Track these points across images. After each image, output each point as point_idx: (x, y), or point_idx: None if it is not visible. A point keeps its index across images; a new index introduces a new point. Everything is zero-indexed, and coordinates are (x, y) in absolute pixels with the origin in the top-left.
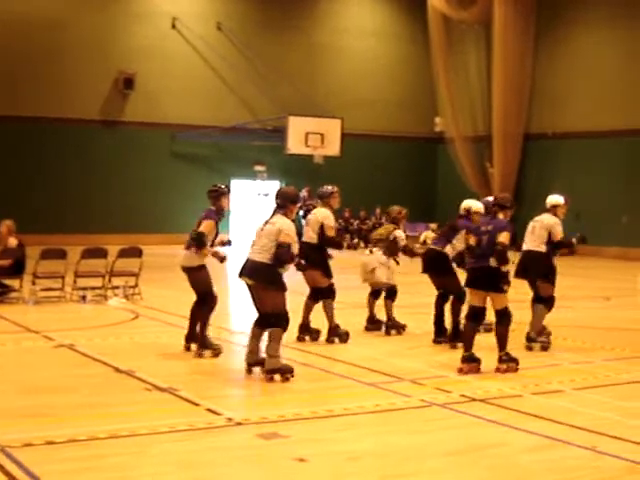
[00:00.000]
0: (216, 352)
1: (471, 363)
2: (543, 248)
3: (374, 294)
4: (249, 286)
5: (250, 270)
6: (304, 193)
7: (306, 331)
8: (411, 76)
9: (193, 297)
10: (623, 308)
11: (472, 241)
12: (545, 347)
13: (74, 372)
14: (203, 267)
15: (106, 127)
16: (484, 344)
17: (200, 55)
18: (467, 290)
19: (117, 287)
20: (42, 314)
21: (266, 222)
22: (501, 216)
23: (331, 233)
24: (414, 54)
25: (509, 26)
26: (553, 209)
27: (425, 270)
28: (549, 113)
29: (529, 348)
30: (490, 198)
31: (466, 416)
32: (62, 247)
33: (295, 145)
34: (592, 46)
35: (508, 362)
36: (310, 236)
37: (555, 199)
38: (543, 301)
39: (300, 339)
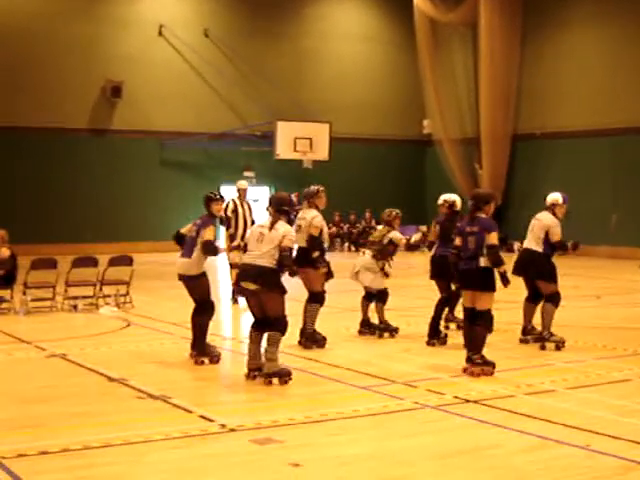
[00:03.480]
0: (215, 359)
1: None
2: (540, 248)
3: (368, 297)
4: (249, 291)
5: (254, 275)
6: (294, 198)
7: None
8: (398, 79)
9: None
10: (614, 307)
11: (458, 242)
12: (559, 347)
13: (67, 382)
14: (203, 275)
15: (95, 136)
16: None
17: (187, 62)
18: (462, 293)
19: (108, 296)
20: (33, 324)
21: (264, 227)
22: (482, 215)
23: (315, 232)
24: (401, 57)
25: (495, 27)
26: (552, 207)
27: (433, 276)
28: (537, 113)
29: (542, 347)
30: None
31: (460, 418)
32: (52, 257)
33: (284, 150)
34: (579, 46)
35: (483, 365)
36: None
37: (554, 197)
38: (548, 299)
39: (302, 343)
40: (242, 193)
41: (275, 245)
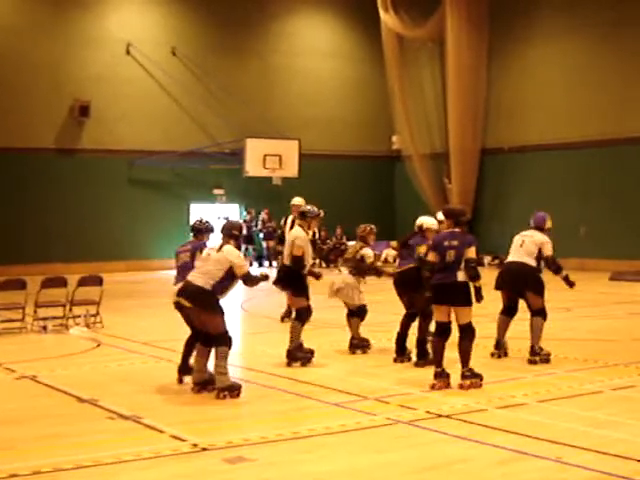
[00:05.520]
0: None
1: (442, 379)
2: (533, 262)
3: (351, 313)
4: (185, 307)
5: (190, 294)
6: (264, 215)
7: (300, 353)
8: (367, 95)
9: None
10: (584, 319)
11: (433, 258)
12: (547, 360)
13: (37, 403)
14: None
15: (63, 155)
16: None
17: (155, 80)
18: (433, 307)
19: (78, 316)
20: (3, 346)
21: (213, 249)
22: (457, 230)
23: (297, 253)
24: (369, 73)
25: (462, 42)
26: (547, 230)
27: (398, 291)
28: (505, 128)
29: (532, 362)
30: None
31: (432, 432)
32: (21, 277)
33: (253, 168)
34: (545, 60)
35: (472, 378)
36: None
37: (545, 219)
38: (537, 313)
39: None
40: (295, 209)
41: (217, 267)
